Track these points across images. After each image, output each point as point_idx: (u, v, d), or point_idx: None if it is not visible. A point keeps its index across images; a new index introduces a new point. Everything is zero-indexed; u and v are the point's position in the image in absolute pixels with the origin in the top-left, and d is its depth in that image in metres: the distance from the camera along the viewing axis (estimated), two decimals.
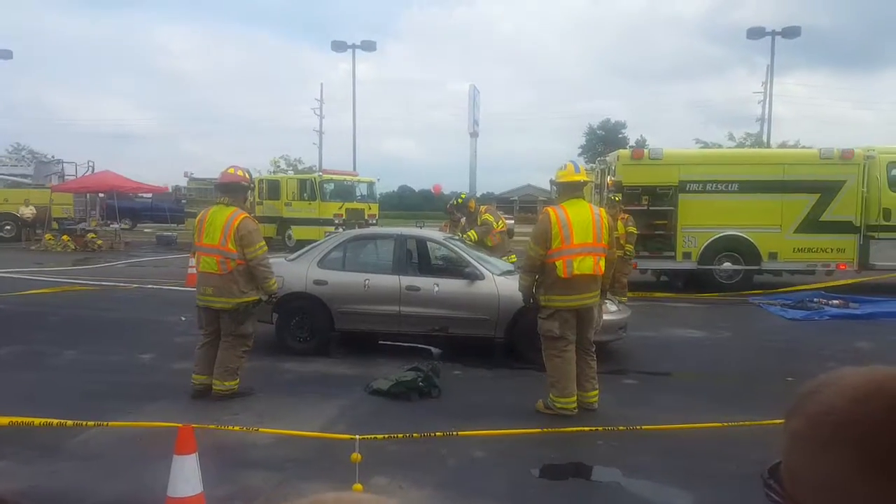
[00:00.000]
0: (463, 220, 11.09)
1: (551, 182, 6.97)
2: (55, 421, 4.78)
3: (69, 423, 4.71)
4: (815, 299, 12.33)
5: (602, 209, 6.44)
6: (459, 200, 11.08)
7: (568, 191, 6.11)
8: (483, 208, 10.90)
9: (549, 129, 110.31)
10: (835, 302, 12.05)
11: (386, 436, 4.41)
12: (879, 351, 8.89)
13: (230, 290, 6.29)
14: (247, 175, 6.77)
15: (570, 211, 5.92)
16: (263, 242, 6.56)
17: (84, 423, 4.80)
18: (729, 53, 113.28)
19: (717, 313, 11.87)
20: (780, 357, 8.41)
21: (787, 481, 0.71)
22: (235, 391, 6.38)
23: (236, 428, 5.02)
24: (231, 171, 6.62)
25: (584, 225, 5.88)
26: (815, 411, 0.69)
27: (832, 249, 13.81)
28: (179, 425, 3.87)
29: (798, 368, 7.29)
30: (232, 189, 6.59)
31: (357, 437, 3.91)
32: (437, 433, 4.65)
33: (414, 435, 4.56)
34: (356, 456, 3.86)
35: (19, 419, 4.81)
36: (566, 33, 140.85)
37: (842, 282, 13.62)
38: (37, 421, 4.77)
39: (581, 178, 6.17)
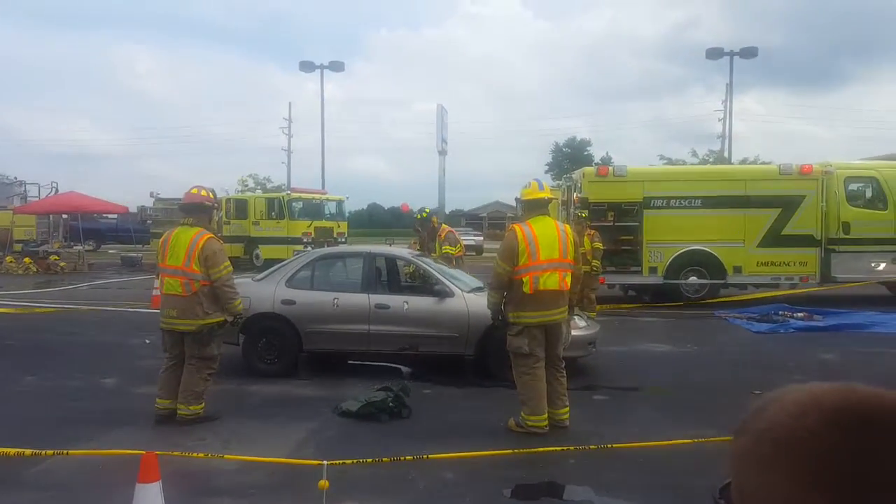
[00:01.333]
0: (425, 234, 11.09)
1: (517, 200, 7.01)
2: (12, 450, 4.63)
3: (27, 452, 4.55)
4: (780, 312, 12.54)
5: (567, 225, 6.51)
6: (423, 215, 11.09)
7: (533, 208, 6.17)
8: (444, 228, 10.93)
9: (517, 147, 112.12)
10: (799, 315, 12.27)
11: (354, 461, 4.34)
12: (844, 363, 9.06)
13: (194, 311, 6.18)
14: (211, 195, 6.68)
15: (536, 227, 5.97)
16: (228, 263, 6.47)
17: (43, 451, 4.65)
18: (688, 73, 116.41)
19: (685, 327, 12.01)
20: (746, 370, 8.52)
21: (736, 499, 0.72)
22: (200, 415, 6.25)
23: (201, 455, 4.89)
24: (195, 191, 6.53)
25: (549, 241, 5.92)
26: (757, 428, 0.71)
27: (795, 263, 14.10)
28: (142, 452, 3.76)
29: (764, 382, 7.37)
30: (196, 209, 6.50)
31: (325, 462, 3.83)
32: (407, 457, 4.59)
33: (383, 459, 4.49)
34: (324, 482, 3.78)
35: None
36: (531, 54, 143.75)
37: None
38: None
39: (545, 195, 6.24)
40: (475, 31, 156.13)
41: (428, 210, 11.21)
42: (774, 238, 14.01)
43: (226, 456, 4.87)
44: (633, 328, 11.78)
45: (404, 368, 8.17)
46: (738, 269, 14.12)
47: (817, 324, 11.78)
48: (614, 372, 8.35)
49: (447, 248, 10.29)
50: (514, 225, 6.17)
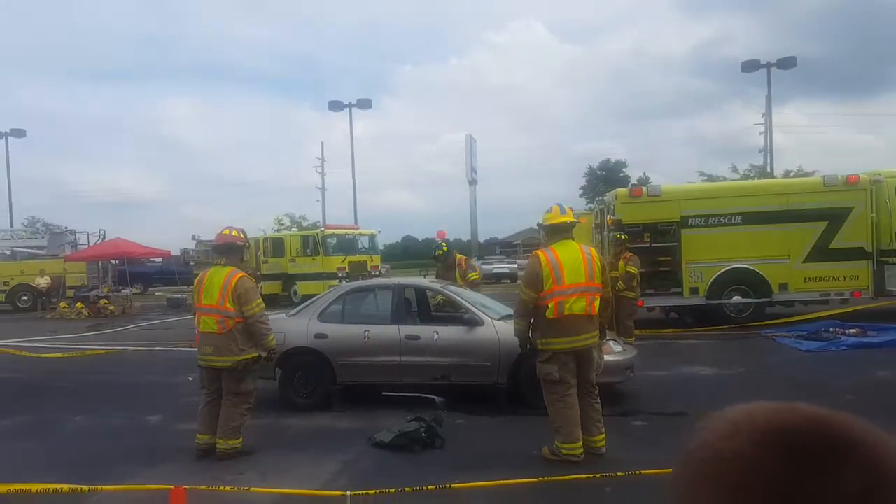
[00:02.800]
0: (442, 266, 11.34)
1: (539, 226, 6.95)
2: (51, 487, 4.76)
3: (65, 488, 4.68)
4: (831, 329, 12.07)
5: (592, 248, 6.40)
6: (442, 251, 11.30)
7: (555, 233, 6.10)
8: (461, 258, 11.13)
9: (549, 173, 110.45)
10: (852, 331, 11.80)
11: (377, 491, 4.33)
12: None
13: (229, 348, 6.32)
14: (242, 235, 6.87)
15: (560, 252, 5.90)
16: (261, 300, 6.63)
17: (79, 488, 4.78)
18: (723, 88, 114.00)
19: (729, 349, 11.66)
20: (795, 392, 8.17)
21: None
22: (239, 449, 6.35)
23: (227, 488, 4.94)
24: (226, 231, 6.74)
25: (574, 265, 5.84)
26: (689, 450, 0.71)
27: (845, 277, 13.57)
28: (171, 487, 3.83)
29: (816, 403, 7.10)
30: (228, 249, 6.70)
31: (348, 493, 3.84)
32: (430, 486, 4.54)
33: (405, 489, 4.46)
34: None
35: (18, 486, 4.81)
36: (559, 79, 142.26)
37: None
38: (34, 487, 4.76)
39: (567, 219, 6.15)
40: (501, 59, 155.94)
41: (445, 247, 11.47)
42: (822, 252, 13.52)
43: (252, 489, 4.92)
44: (675, 351, 11.49)
45: (438, 399, 8.12)
46: (783, 287, 13.66)
47: (871, 340, 11.29)
48: (654, 397, 8.13)
49: (472, 275, 10.54)
50: (538, 251, 6.10)
